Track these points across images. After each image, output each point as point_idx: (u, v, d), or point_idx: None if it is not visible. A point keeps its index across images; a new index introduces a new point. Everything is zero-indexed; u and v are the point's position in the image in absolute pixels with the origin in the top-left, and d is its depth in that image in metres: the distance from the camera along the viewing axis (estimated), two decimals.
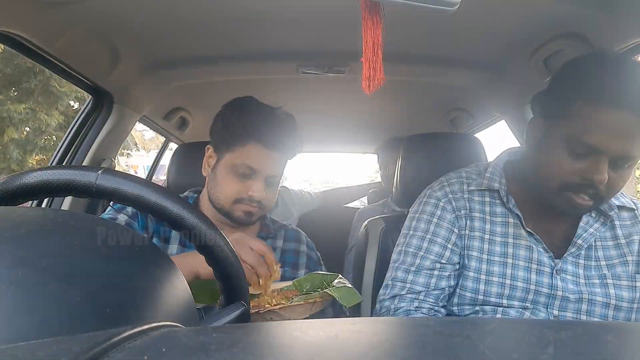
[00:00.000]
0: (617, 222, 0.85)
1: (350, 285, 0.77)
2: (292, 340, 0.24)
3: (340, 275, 0.81)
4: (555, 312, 0.81)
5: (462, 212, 0.88)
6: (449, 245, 0.87)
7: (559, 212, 0.81)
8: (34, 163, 7.68)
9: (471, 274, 0.84)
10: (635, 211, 0.87)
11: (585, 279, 0.81)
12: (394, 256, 0.92)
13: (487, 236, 0.85)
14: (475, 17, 1.05)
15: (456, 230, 0.87)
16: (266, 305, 0.71)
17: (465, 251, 0.86)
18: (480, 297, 0.83)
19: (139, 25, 1.13)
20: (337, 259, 1.82)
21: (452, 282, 0.86)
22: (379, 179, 2.34)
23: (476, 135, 1.76)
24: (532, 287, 0.81)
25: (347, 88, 1.64)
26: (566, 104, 0.73)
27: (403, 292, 0.87)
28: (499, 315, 0.82)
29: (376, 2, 0.58)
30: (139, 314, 0.31)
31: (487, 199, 0.88)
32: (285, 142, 0.93)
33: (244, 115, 0.92)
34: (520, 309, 0.82)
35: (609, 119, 0.69)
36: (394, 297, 0.88)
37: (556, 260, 0.82)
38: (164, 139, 2.14)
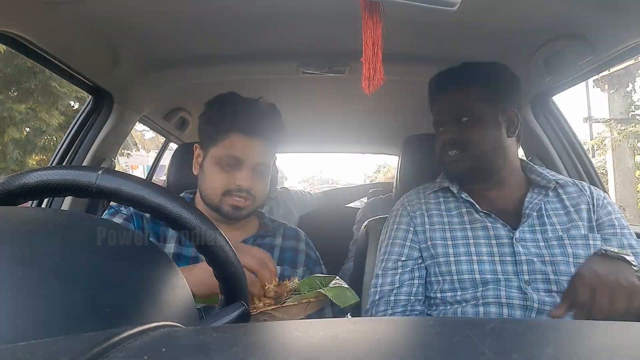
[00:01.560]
0: (564, 196, 0.97)
1: (346, 286, 0.76)
2: (292, 340, 0.24)
3: (337, 277, 0.80)
4: (526, 277, 0.88)
5: (418, 212, 1.01)
6: (407, 243, 0.99)
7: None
8: (34, 163, 7.67)
9: (441, 259, 0.94)
10: (580, 185, 1.00)
11: (544, 242, 0.91)
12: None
13: (447, 227, 0.97)
14: (475, 17, 1.05)
15: (412, 228, 1.00)
16: (259, 305, 0.70)
17: (430, 242, 0.97)
18: (455, 277, 0.92)
19: (139, 25, 1.13)
20: (338, 259, 1.82)
21: (417, 274, 0.96)
22: (378, 179, 2.34)
23: None
24: (497, 258, 0.91)
25: (347, 88, 1.64)
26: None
27: (377, 298, 0.96)
28: (480, 301, 0.89)
29: (376, 2, 0.58)
30: (139, 314, 0.31)
31: (441, 199, 1.03)
32: (267, 130, 0.94)
33: (224, 108, 0.93)
34: (495, 286, 0.88)
35: None
36: (372, 303, 0.97)
37: (514, 231, 0.92)
38: (164, 139, 2.14)
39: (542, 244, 0.91)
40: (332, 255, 1.82)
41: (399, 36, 1.11)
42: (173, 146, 2.07)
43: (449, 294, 0.92)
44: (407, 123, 2.21)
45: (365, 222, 1.24)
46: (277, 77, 1.54)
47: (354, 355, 0.21)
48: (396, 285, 0.95)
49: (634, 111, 8.69)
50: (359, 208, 2.22)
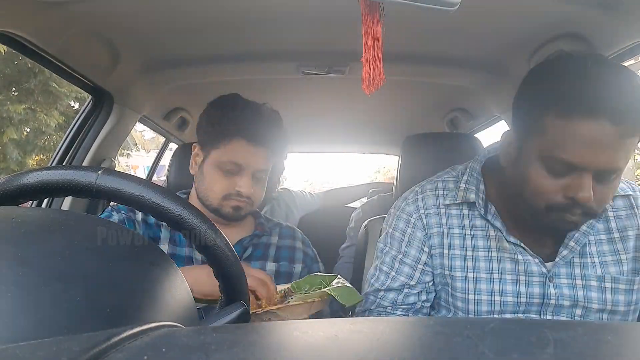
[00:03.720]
0: (610, 213, 0.79)
1: (349, 285, 0.76)
2: (292, 340, 0.24)
3: (338, 276, 0.81)
4: (549, 317, 0.79)
5: (435, 229, 0.83)
6: (419, 266, 0.84)
7: (550, 231, 0.76)
8: (34, 163, 7.67)
9: (459, 294, 0.81)
10: (632, 197, 0.80)
11: (582, 280, 0.77)
12: (371, 270, 0.91)
13: (469, 253, 0.81)
14: (475, 17, 1.04)
15: (426, 250, 0.84)
16: (263, 306, 0.70)
17: (448, 272, 0.82)
18: (472, 314, 0.81)
19: (139, 25, 1.13)
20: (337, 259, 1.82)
21: (424, 297, 0.85)
22: (379, 179, 2.34)
23: (476, 135, 1.76)
24: (523, 299, 0.78)
25: (347, 88, 1.64)
26: (535, 118, 0.67)
27: (373, 307, 0.87)
28: None
29: (376, 2, 0.58)
30: (139, 314, 0.31)
31: (466, 212, 0.83)
32: (270, 138, 0.94)
33: (228, 112, 0.92)
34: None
35: (584, 130, 0.61)
36: (364, 311, 0.89)
37: (547, 264, 0.78)
38: (164, 139, 2.14)
39: (578, 282, 0.76)
40: (332, 255, 1.82)
41: (399, 36, 1.11)
42: (173, 146, 2.07)
43: None
44: (407, 123, 2.21)
45: (365, 222, 1.24)
46: (277, 77, 1.54)
47: (354, 355, 0.21)
48: (398, 303, 0.85)
49: None
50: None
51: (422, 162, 1.32)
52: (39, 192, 0.40)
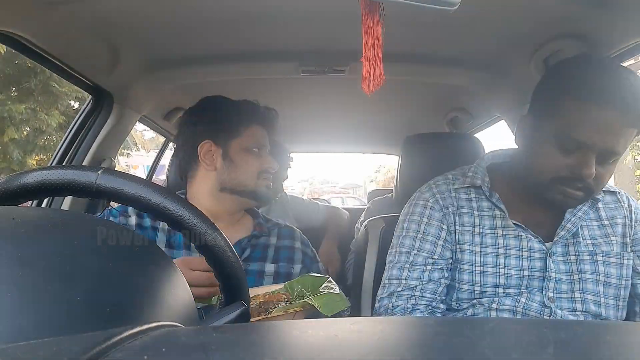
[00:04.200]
0: (600, 205, 0.90)
1: (336, 291, 0.74)
2: (292, 340, 0.24)
3: (329, 279, 0.79)
4: (550, 294, 0.84)
5: (450, 209, 0.92)
6: (440, 242, 0.90)
7: (550, 205, 0.83)
8: (34, 163, 7.68)
9: (466, 267, 0.87)
10: (618, 194, 0.92)
11: (575, 255, 0.86)
12: (389, 257, 0.96)
13: (477, 230, 0.89)
14: (475, 17, 1.04)
15: (445, 227, 0.91)
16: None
17: (458, 246, 0.89)
18: (477, 288, 0.86)
19: (139, 25, 1.13)
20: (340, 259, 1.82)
21: (446, 274, 0.89)
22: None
23: (476, 135, 1.77)
24: (526, 273, 0.85)
25: (347, 88, 1.64)
26: (555, 101, 0.78)
27: (399, 289, 0.90)
28: (494, 305, 0.85)
29: (376, 2, 0.58)
30: (139, 314, 0.31)
31: (473, 196, 0.93)
32: (276, 125, 1.09)
33: (234, 105, 1.03)
34: (516, 296, 0.84)
35: (595, 115, 0.72)
36: (391, 294, 0.90)
37: (547, 244, 0.86)
38: (164, 138, 2.14)
39: (572, 257, 0.85)
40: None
41: (399, 36, 1.11)
42: (173, 146, 2.06)
43: (465, 301, 0.87)
44: (407, 123, 2.21)
45: (365, 222, 1.24)
46: (277, 76, 1.54)
47: (354, 355, 0.21)
48: (424, 282, 0.88)
49: None
50: (362, 208, 2.23)
51: (422, 162, 1.32)
52: (39, 191, 0.40)
